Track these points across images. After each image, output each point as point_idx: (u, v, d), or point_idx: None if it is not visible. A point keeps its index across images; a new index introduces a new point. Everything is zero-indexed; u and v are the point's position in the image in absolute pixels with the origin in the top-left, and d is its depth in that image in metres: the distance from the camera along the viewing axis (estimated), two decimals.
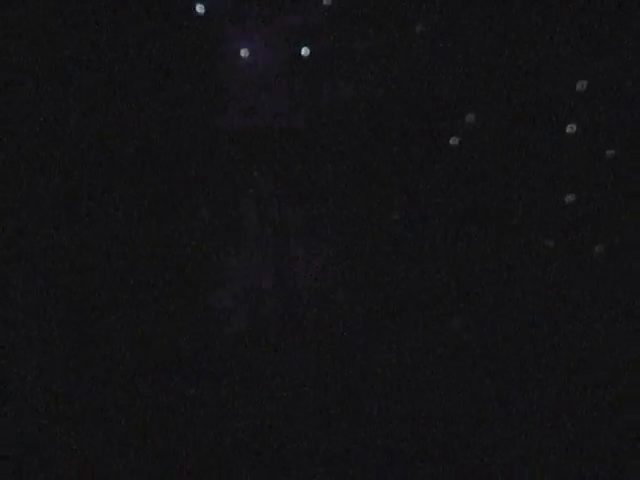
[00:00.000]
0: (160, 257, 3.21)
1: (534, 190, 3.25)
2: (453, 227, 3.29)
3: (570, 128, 3.22)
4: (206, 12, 3.17)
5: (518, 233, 3.26)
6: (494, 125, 3.28)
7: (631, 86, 3.20)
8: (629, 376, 3.16)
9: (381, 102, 3.29)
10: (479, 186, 3.28)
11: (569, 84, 3.24)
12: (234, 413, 3.18)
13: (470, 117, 3.27)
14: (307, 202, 3.33)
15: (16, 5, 3.02)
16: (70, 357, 3.11)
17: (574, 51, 3.23)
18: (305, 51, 3.23)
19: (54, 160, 3.12)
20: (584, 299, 3.22)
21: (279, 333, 3.27)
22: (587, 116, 3.23)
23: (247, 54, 3.22)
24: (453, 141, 3.29)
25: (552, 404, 3.18)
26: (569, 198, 3.24)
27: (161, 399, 3.14)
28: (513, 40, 3.23)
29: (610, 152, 3.23)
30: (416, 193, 3.32)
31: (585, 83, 3.22)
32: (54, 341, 3.12)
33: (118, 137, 3.16)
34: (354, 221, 3.33)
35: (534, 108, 3.23)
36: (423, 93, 3.30)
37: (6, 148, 3.10)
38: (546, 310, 3.23)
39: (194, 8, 3.16)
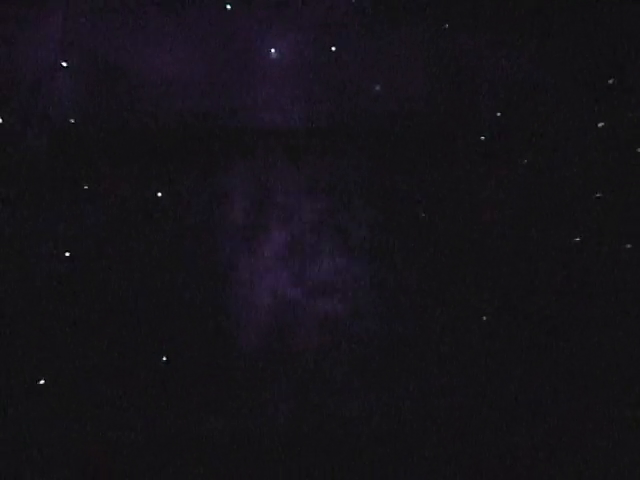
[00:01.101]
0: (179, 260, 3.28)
1: (564, 187, 3.21)
2: (479, 223, 3.26)
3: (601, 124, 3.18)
4: (235, 10, 3.23)
5: (547, 228, 3.23)
6: (519, 121, 3.25)
7: None
8: None
9: (409, 100, 3.28)
10: (506, 183, 3.25)
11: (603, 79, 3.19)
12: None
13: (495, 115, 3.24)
14: (332, 199, 3.35)
15: None
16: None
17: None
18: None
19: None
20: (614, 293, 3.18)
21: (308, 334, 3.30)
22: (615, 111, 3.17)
23: (276, 53, 3.25)
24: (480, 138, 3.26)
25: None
26: (597, 195, 3.19)
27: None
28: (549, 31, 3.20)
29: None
30: (442, 191, 3.30)
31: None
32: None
33: None
34: (380, 218, 3.33)
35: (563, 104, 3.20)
36: (451, 90, 3.28)
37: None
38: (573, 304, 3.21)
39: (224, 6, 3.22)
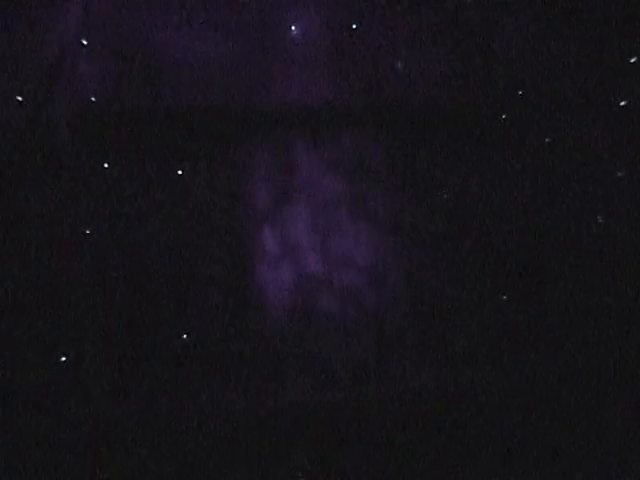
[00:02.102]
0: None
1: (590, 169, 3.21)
2: (501, 202, 3.26)
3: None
4: None
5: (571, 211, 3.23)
6: (541, 100, 3.24)
7: None
8: None
9: (430, 79, 3.27)
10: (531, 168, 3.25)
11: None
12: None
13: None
14: (354, 177, 3.34)
15: None
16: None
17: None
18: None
19: None
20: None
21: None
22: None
23: (297, 31, 3.25)
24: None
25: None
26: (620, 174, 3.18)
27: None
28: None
29: None
30: (464, 169, 3.29)
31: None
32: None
33: None
34: (402, 197, 3.33)
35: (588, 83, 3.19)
36: (473, 68, 3.27)
37: None
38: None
39: None
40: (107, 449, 3.09)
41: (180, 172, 3.25)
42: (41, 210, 3.19)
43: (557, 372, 3.20)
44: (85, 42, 3.21)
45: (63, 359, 3.11)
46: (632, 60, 3.15)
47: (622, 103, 3.19)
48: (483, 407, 3.17)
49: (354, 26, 3.28)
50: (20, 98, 3.17)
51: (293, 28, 3.24)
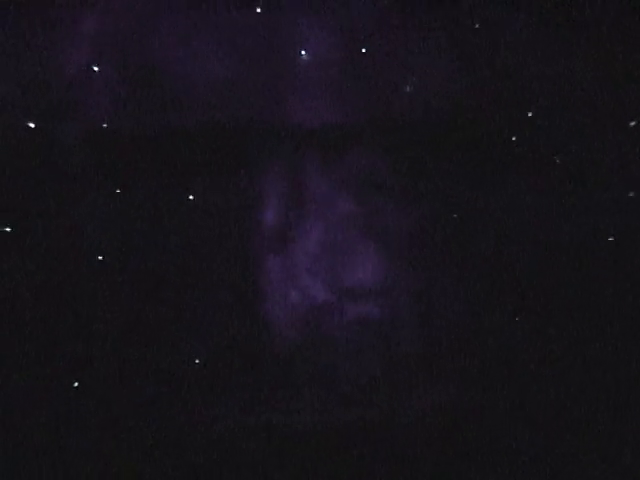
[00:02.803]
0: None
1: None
2: (513, 224, 3.27)
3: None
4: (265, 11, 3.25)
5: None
6: (551, 121, 3.26)
7: None
8: None
9: (440, 100, 3.29)
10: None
11: None
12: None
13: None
14: (365, 198, 3.36)
15: None
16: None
17: None
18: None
19: None
20: None
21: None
22: None
23: (307, 55, 3.27)
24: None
25: None
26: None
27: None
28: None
29: None
30: (476, 191, 3.30)
31: None
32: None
33: None
34: (413, 217, 3.34)
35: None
36: (482, 90, 3.29)
37: None
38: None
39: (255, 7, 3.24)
40: (113, 458, 3.10)
41: (191, 197, 3.26)
42: (53, 237, 3.20)
43: (569, 391, 3.19)
44: (96, 68, 3.23)
45: (76, 384, 3.11)
46: None
47: (632, 123, 3.19)
48: (493, 426, 3.17)
49: (363, 50, 3.30)
50: (32, 125, 3.19)
51: (303, 53, 3.27)
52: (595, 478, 3.09)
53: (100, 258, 3.21)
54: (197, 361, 3.19)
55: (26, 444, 3.07)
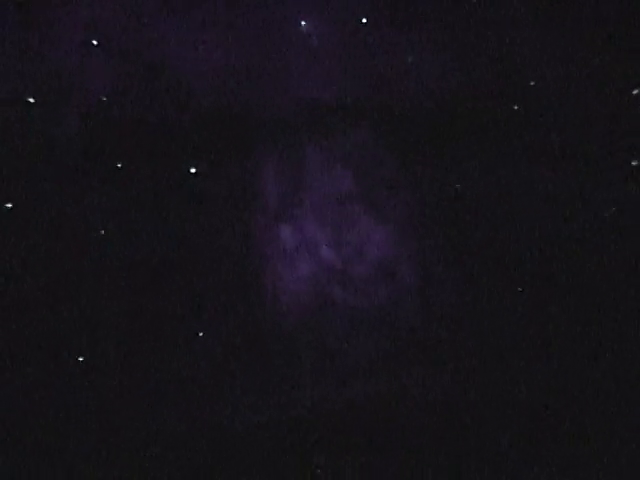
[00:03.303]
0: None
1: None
2: (514, 196, 3.26)
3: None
4: None
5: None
6: (552, 90, 3.24)
7: None
8: None
9: (441, 74, 3.27)
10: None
11: None
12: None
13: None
14: (364, 175, 3.35)
15: None
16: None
17: None
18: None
19: None
20: None
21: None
22: None
23: (307, 26, 3.25)
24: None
25: None
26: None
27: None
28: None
29: None
30: (476, 165, 3.29)
31: None
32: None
33: None
34: (413, 194, 3.33)
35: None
36: (483, 62, 3.27)
37: None
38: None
39: None
40: (116, 451, 3.11)
41: (193, 170, 3.24)
42: (54, 211, 3.19)
43: (569, 384, 3.19)
44: (95, 42, 3.21)
45: (80, 359, 3.11)
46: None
47: (635, 92, 3.18)
48: (493, 402, 3.17)
49: (364, 20, 3.27)
50: (32, 99, 3.18)
51: (303, 23, 3.24)
52: (593, 475, 3.08)
53: (102, 232, 3.20)
54: (200, 334, 3.20)
55: (27, 437, 3.09)
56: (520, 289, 3.24)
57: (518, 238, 3.26)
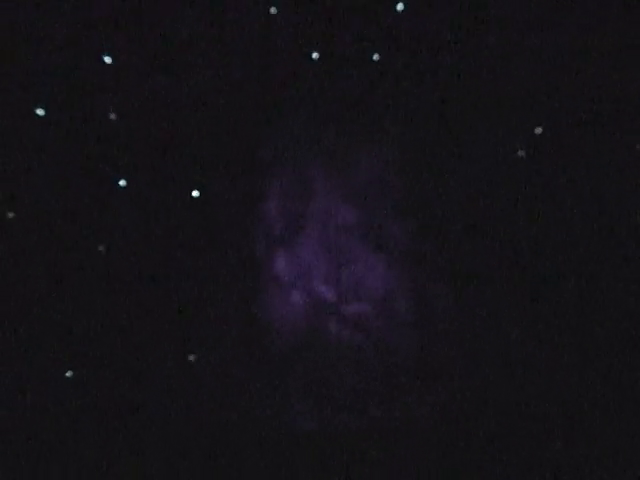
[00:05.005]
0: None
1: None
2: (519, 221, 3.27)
3: None
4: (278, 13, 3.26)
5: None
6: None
7: None
8: None
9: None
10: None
11: None
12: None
13: None
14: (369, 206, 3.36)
15: None
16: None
17: None
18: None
19: None
20: None
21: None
22: None
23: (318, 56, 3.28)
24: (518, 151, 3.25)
25: None
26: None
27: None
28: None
29: None
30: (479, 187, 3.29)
31: None
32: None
33: None
34: (416, 227, 3.33)
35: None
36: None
37: None
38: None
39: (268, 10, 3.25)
40: (113, 458, 3.09)
41: (196, 194, 3.26)
42: (55, 224, 3.20)
43: (570, 399, 3.16)
44: (109, 60, 3.24)
45: (68, 375, 3.10)
46: None
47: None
48: (489, 431, 3.15)
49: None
50: (41, 112, 3.20)
51: (314, 55, 3.26)
52: (597, 478, 3.06)
53: (100, 249, 3.21)
54: (190, 357, 3.19)
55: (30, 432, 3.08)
56: (521, 325, 3.21)
57: (523, 269, 3.25)
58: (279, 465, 3.12)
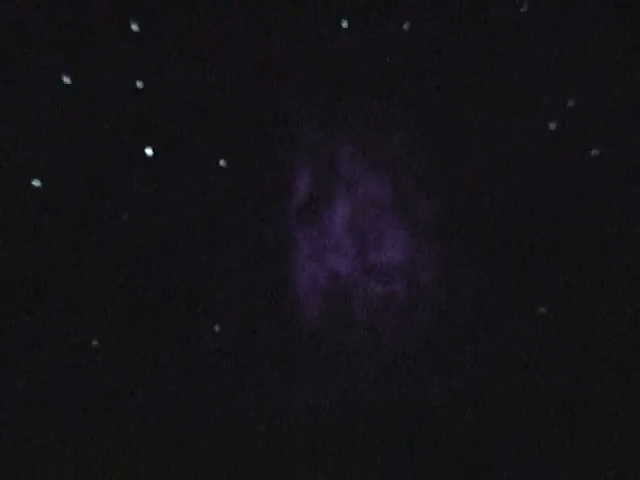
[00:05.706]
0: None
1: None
2: (544, 209, 3.22)
3: None
4: None
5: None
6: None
7: None
8: None
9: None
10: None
11: None
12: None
13: None
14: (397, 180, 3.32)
15: None
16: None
17: None
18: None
19: None
20: None
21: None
22: None
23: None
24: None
25: None
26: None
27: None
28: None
29: None
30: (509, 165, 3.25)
31: None
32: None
33: None
34: (442, 204, 3.30)
35: None
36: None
37: None
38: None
39: None
40: (123, 445, 3.11)
41: (222, 163, 3.23)
42: (79, 195, 3.20)
43: (578, 393, 3.14)
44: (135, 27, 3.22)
45: (95, 343, 3.12)
46: None
47: None
48: (512, 410, 3.13)
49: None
50: (68, 80, 3.19)
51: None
52: (600, 476, 3.04)
53: (123, 219, 3.20)
54: (216, 328, 3.19)
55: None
56: (543, 309, 3.18)
57: (555, 245, 3.21)
58: (297, 443, 3.13)
